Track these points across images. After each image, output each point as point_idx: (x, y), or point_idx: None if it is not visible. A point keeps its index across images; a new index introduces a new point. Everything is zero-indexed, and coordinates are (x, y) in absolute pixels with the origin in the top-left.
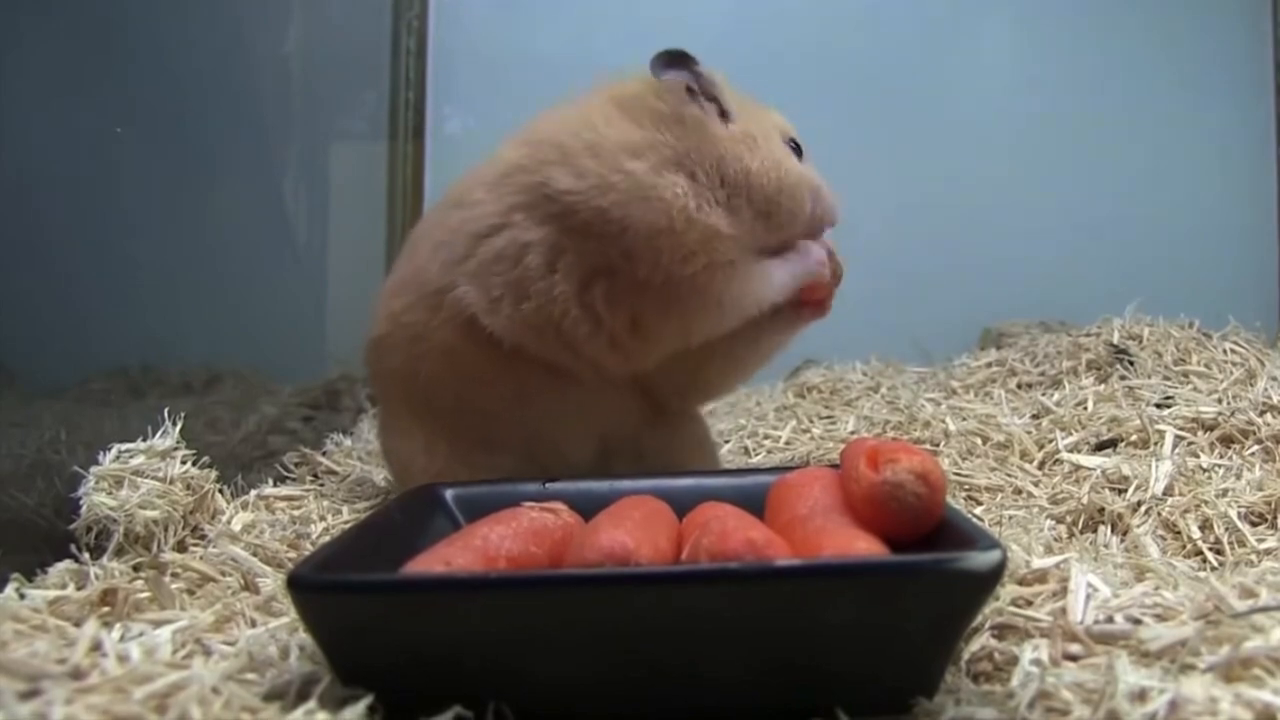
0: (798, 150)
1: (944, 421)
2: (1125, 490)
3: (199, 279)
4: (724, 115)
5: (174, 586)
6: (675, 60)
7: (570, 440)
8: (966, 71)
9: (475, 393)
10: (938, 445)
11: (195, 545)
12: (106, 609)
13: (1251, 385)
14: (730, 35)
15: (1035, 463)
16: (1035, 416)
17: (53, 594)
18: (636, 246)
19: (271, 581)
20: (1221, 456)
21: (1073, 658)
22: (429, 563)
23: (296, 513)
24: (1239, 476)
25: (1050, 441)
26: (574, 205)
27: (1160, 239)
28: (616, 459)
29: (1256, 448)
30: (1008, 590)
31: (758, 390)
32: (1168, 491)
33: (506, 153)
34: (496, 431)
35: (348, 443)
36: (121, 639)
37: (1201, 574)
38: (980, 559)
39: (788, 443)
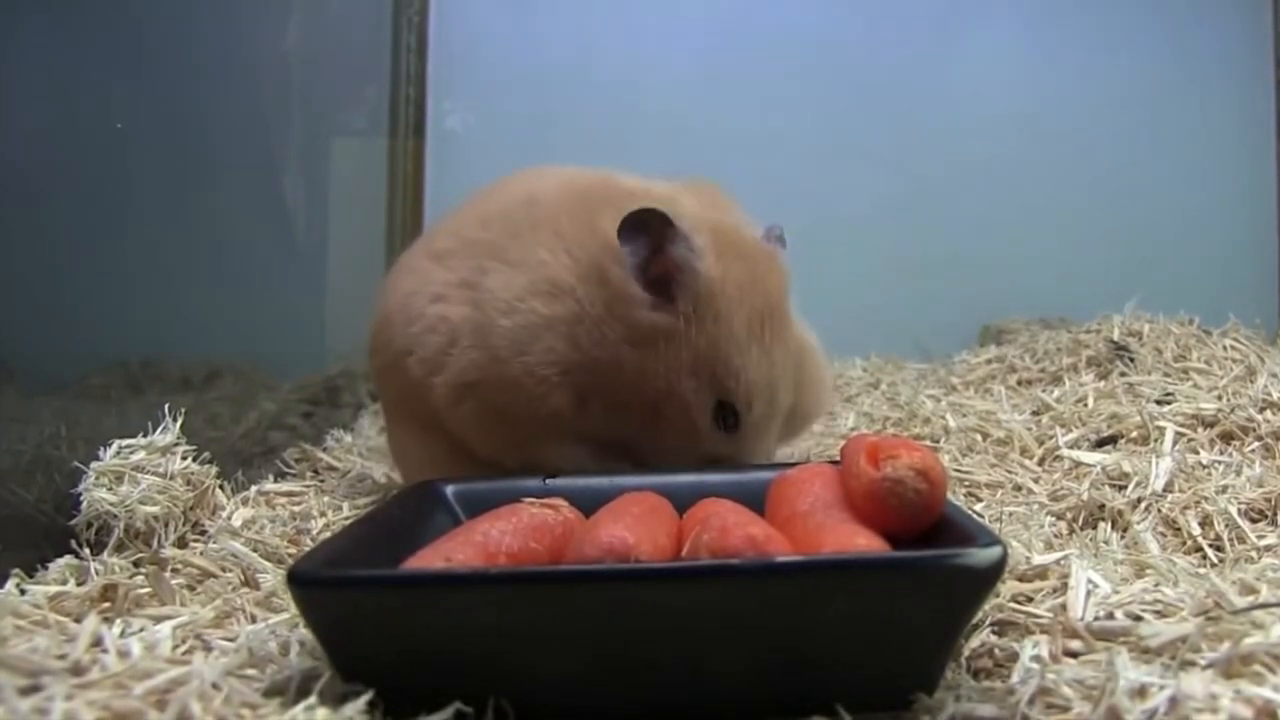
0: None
1: (944, 418)
2: (1125, 487)
3: (199, 275)
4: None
5: (174, 582)
6: (637, 225)
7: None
8: (966, 68)
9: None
10: (938, 442)
11: (195, 541)
12: (107, 605)
13: (1251, 382)
14: (729, 33)
15: (1035, 459)
16: (1035, 413)
17: (53, 589)
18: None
19: (272, 577)
20: (1221, 453)
21: (1073, 654)
22: (429, 558)
23: (297, 509)
24: (1239, 473)
25: (1050, 438)
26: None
27: (1160, 236)
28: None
29: (1256, 444)
30: (1008, 587)
31: None
32: (1168, 488)
33: (468, 213)
34: None
35: (348, 438)
36: (122, 635)
37: (1201, 570)
38: (981, 555)
39: None
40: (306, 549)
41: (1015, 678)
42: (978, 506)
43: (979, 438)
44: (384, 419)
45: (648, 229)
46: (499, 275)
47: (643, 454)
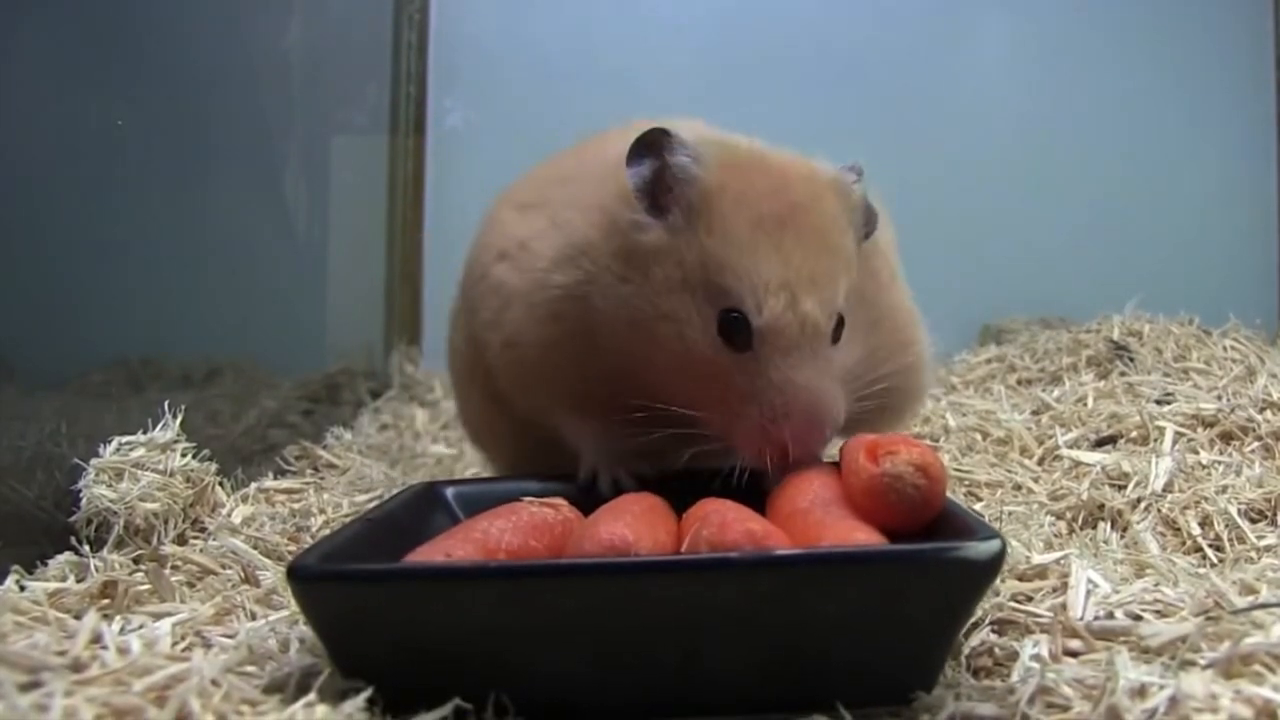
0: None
1: (944, 417)
2: (1125, 486)
3: (199, 272)
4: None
5: (174, 579)
6: (643, 147)
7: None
8: (966, 68)
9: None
10: (938, 441)
11: (195, 538)
12: (106, 601)
13: (1251, 382)
14: (729, 31)
15: (1035, 459)
16: (1035, 412)
17: (53, 586)
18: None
19: (271, 574)
20: (1221, 453)
21: (1073, 653)
22: (429, 555)
23: (296, 506)
24: (1239, 473)
25: (1050, 438)
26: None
27: (1160, 236)
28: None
29: (1256, 444)
30: (1008, 586)
31: None
32: (1168, 488)
33: (553, 165)
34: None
35: (348, 436)
36: (121, 631)
37: (1201, 570)
38: (980, 549)
39: None
40: (306, 546)
41: (1015, 677)
42: (977, 506)
43: (979, 437)
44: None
45: (652, 148)
46: (544, 239)
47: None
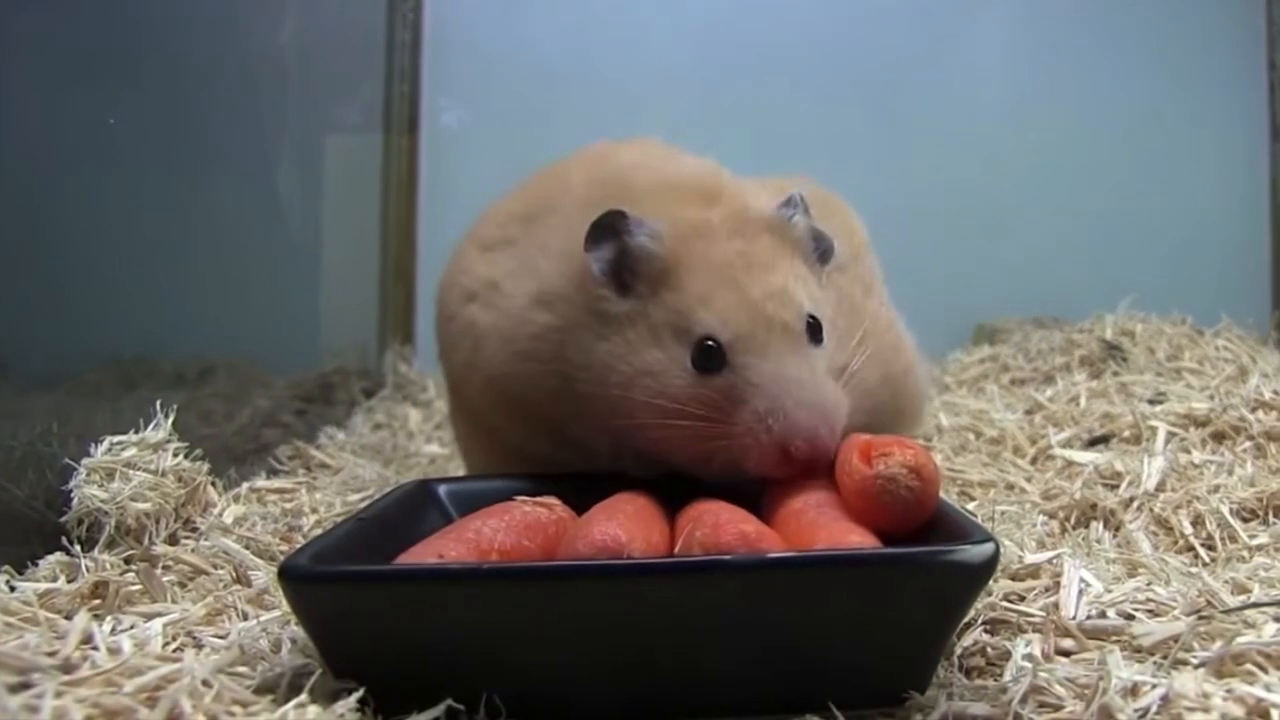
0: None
1: (937, 417)
2: (1118, 486)
3: (193, 271)
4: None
5: (165, 579)
6: (601, 230)
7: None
8: (960, 68)
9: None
10: (931, 440)
11: (187, 538)
12: (97, 601)
13: (1243, 382)
14: (724, 30)
15: (1028, 458)
16: (1028, 412)
17: (43, 586)
18: None
19: (263, 574)
20: (1213, 452)
21: (1065, 653)
22: (421, 555)
23: (288, 506)
24: (1231, 472)
25: (1043, 437)
26: None
27: (1153, 236)
28: None
29: (1248, 444)
30: (1000, 585)
31: None
32: (1160, 487)
33: (514, 202)
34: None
35: (341, 436)
36: (112, 632)
37: (1193, 570)
38: (973, 551)
39: None
40: (298, 546)
41: (1008, 676)
42: (970, 505)
43: (972, 437)
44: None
45: (612, 231)
46: (518, 281)
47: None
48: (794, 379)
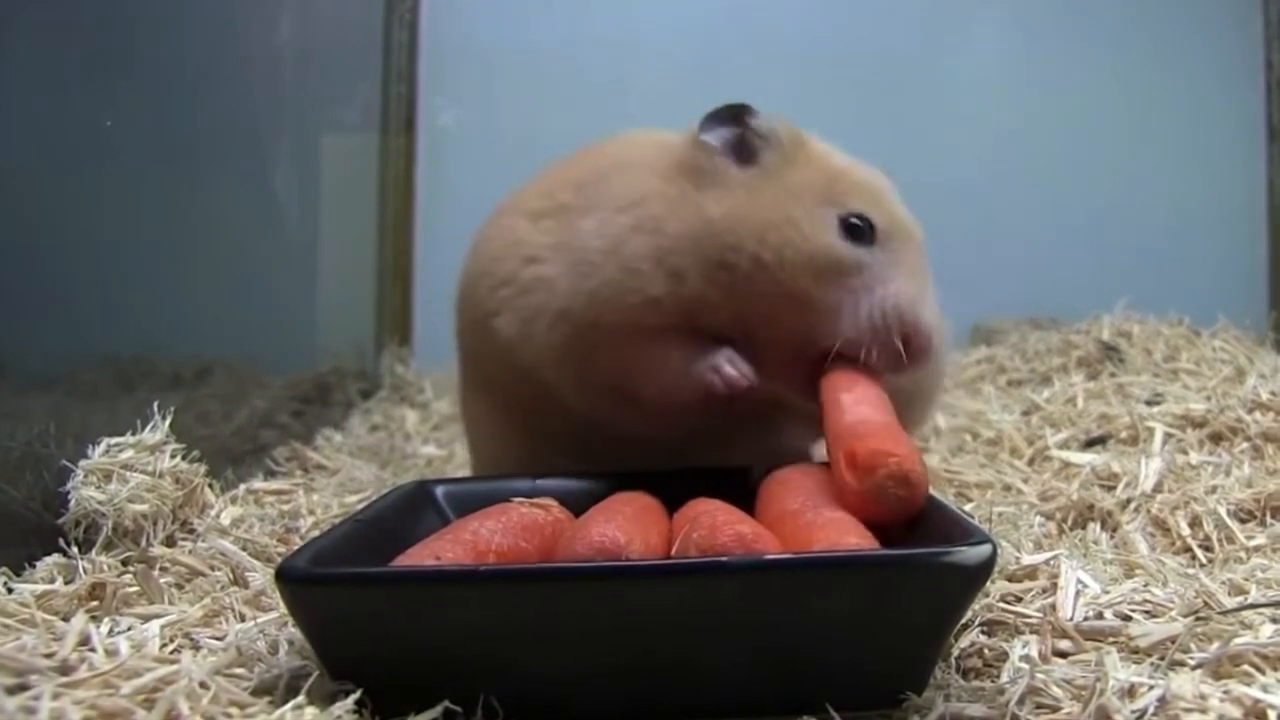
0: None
1: (934, 418)
2: (1115, 487)
3: (190, 271)
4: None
5: (163, 581)
6: (719, 117)
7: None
8: (957, 69)
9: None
10: (927, 441)
11: (184, 539)
12: (95, 603)
13: (1241, 382)
14: (721, 31)
15: (1025, 459)
16: (1025, 413)
17: (40, 588)
18: None
19: (260, 576)
20: (1211, 453)
21: (1062, 654)
22: (419, 556)
23: (286, 507)
24: (1228, 474)
25: (1040, 438)
26: None
27: (1150, 236)
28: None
29: (1246, 445)
30: (997, 586)
31: None
32: (1157, 488)
33: (561, 175)
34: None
35: (338, 437)
36: (110, 633)
37: (1191, 571)
38: (971, 553)
39: None
40: (295, 547)
41: (1005, 677)
42: (967, 507)
43: (969, 438)
44: (460, 383)
45: (729, 117)
46: (590, 219)
47: (756, 340)
48: (922, 288)
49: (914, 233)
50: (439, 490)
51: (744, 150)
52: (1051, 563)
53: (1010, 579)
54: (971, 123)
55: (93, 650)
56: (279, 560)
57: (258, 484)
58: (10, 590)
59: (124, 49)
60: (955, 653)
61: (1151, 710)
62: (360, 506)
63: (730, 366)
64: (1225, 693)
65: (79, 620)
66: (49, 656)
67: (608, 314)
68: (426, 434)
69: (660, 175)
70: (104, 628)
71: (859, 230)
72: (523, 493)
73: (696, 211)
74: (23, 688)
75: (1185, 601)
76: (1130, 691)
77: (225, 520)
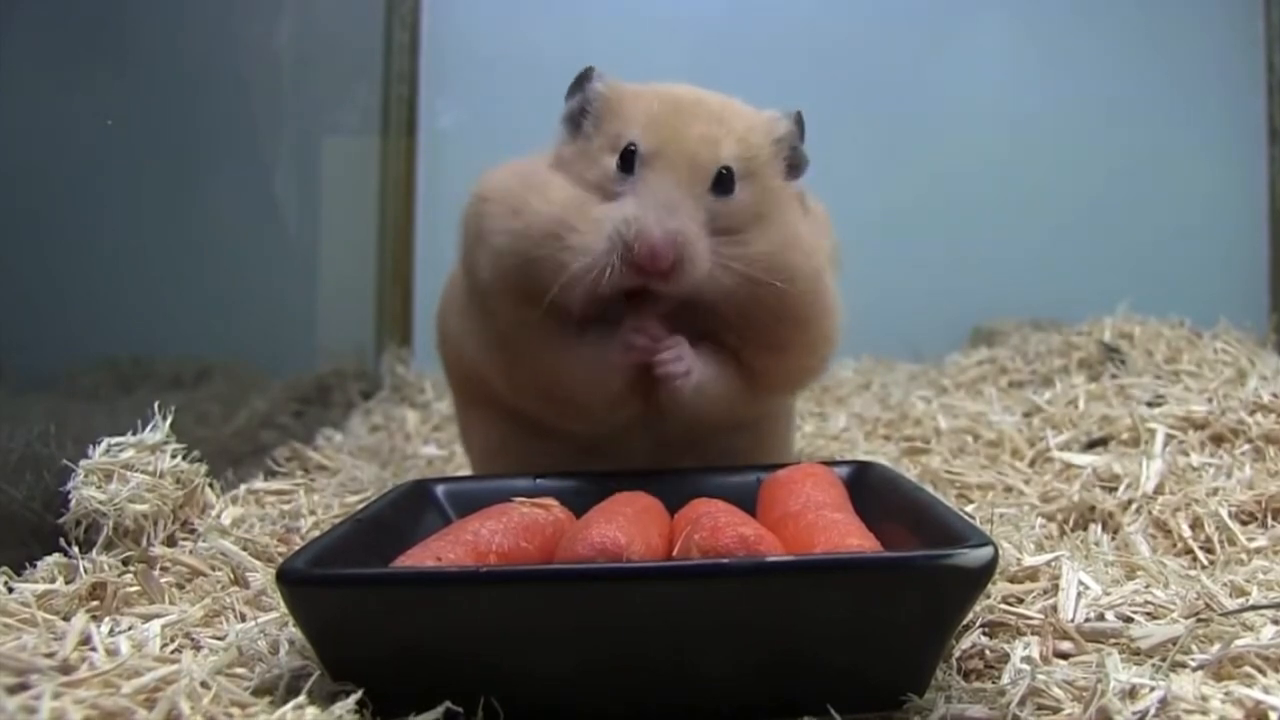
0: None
1: (935, 419)
2: (1116, 488)
3: (190, 273)
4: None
5: (163, 581)
6: (574, 84)
7: (622, 439)
8: (958, 70)
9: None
10: (928, 443)
11: (185, 539)
12: (95, 603)
13: (1242, 384)
14: (722, 30)
15: (1026, 461)
16: (1026, 415)
17: (41, 588)
18: None
19: (261, 576)
20: (1212, 455)
21: (1063, 655)
22: (420, 557)
23: (286, 507)
24: (1229, 475)
25: (1041, 440)
26: None
27: (1151, 238)
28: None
29: (1247, 446)
30: (999, 588)
31: None
32: (1158, 490)
33: None
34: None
35: (338, 437)
36: (110, 633)
37: (1192, 572)
38: (972, 556)
39: None
40: (296, 548)
41: (1006, 679)
42: (969, 508)
43: (970, 439)
44: (451, 397)
45: (578, 82)
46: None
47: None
48: (667, 202)
49: (684, 145)
50: (439, 490)
51: (583, 115)
52: (1053, 564)
53: (1011, 580)
54: (972, 125)
55: (93, 650)
56: (279, 560)
57: (258, 484)
58: (11, 590)
59: (124, 50)
60: (956, 654)
61: (1153, 712)
62: (361, 507)
63: (638, 335)
64: (1226, 694)
65: (80, 620)
66: (50, 656)
67: (505, 309)
68: (427, 434)
69: (548, 161)
70: (105, 627)
71: (629, 155)
72: (523, 493)
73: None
74: (23, 687)
75: (1186, 603)
76: (1131, 693)
77: (226, 520)
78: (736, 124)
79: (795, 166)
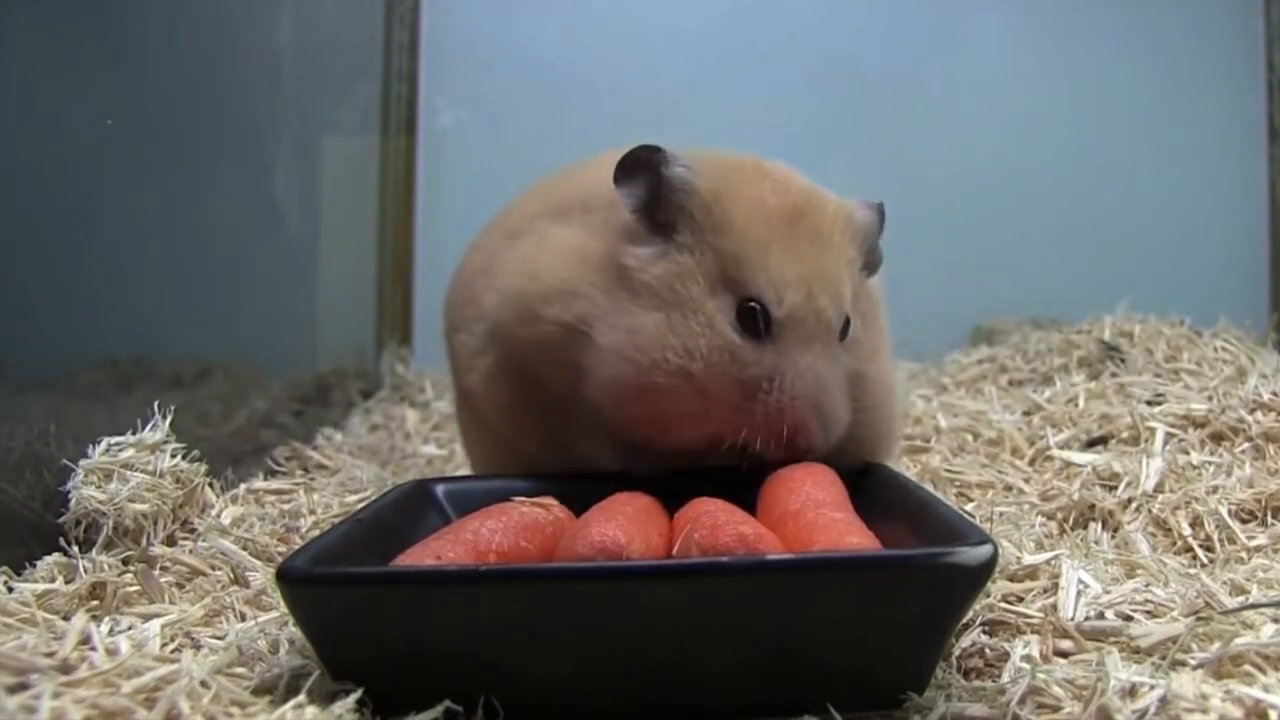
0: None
1: (935, 418)
2: (1116, 487)
3: (190, 272)
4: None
5: (163, 580)
6: (632, 165)
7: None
8: (958, 69)
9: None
10: (929, 441)
11: (184, 539)
12: (95, 603)
13: (1242, 383)
14: (722, 31)
15: (1026, 459)
16: (1026, 413)
17: (41, 587)
18: None
19: (261, 575)
20: (1212, 454)
21: (1063, 654)
22: (419, 556)
23: (286, 507)
24: (1229, 474)
25: (1041, 438)
26: None
27: (1151, 237)
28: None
29: (1247, 445)
30: (999, 586)
31: None
32: (1158, 488)
33: (542, 193)
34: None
35: (338, 437)
36: (110, 633)
37: (1192, 571)
38: (971, 554)
39: None
40: (296, 547)
41: (1006, 677)
42: (968, 507)
43: (970, 438)
44: (453, 394)
45: (643, 165)
46: (528, 243)
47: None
48: (819, 376)
49: (822, 312)
50: (439, 489)
51: (658, 207)
52: (1053, 563)
53: (1011, 579)
54: (973, 124)
55: (93, 649)
56: (279, 560)
57: (258, 484)
58: (11, 589)
59: (124, 49)
60: (956, 652)
61: (1153, 710)
62: (360, 506)
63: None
64: (1226, 693)
65: (79, 619)
66: (49, 656)
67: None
68: (427, 433)
69: (598, 225)
70: (104, 627)
71: (754, 316)
72: (523, 492)
73: (611, 278)
74: (23, 687)
75: (1186, 601)
76: (1131, 691)
77: (226, 520)
78: (846, 246)
79: (872, 265)
